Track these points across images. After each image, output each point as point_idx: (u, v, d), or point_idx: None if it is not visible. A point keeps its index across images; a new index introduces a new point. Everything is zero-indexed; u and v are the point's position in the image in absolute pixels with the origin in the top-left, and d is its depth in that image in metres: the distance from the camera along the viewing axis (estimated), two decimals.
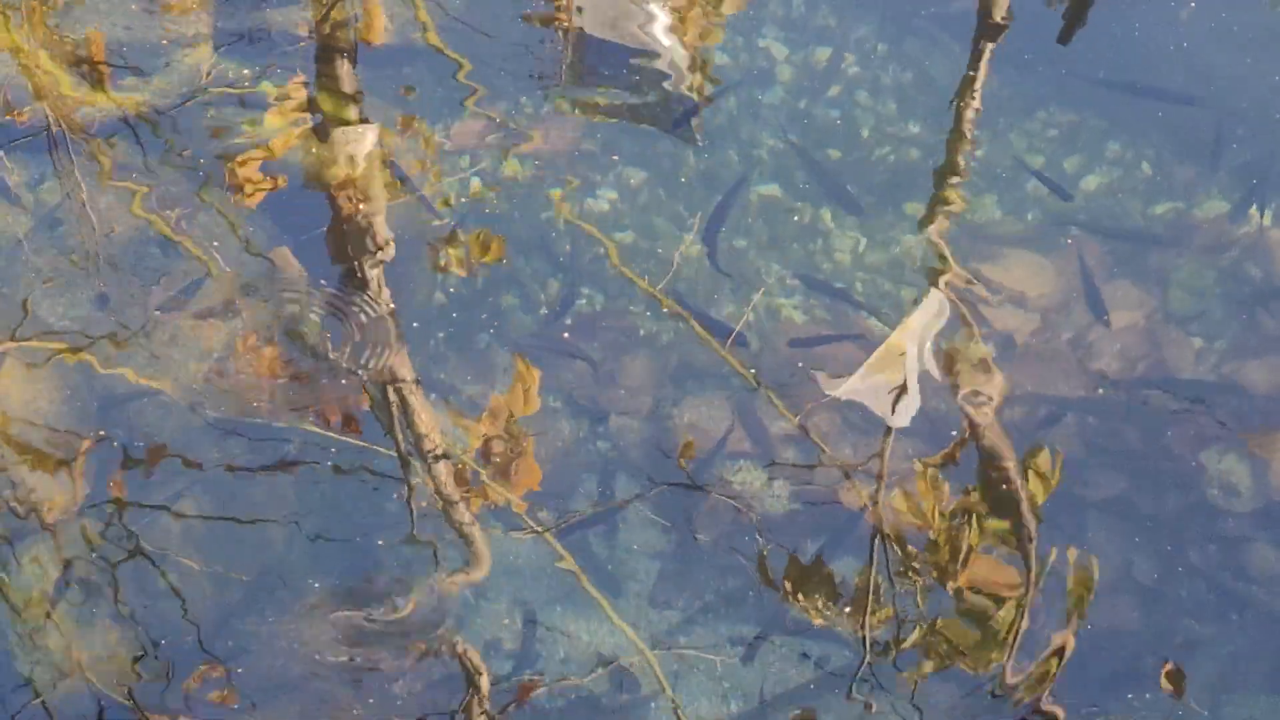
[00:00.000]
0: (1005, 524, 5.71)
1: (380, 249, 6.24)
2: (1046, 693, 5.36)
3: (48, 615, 5.37)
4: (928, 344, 6.05)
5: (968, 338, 6.16)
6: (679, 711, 5.37)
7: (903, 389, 5.96)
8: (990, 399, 6.00)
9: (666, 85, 6.85)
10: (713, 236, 6.34)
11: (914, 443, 5.88)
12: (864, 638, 5.48)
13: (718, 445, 5.91)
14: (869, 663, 5.43)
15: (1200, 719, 5.40)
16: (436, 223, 6.23)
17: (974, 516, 5.69)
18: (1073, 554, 5.65)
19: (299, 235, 6.23)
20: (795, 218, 6.53)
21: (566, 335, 6.14)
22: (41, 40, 6.63)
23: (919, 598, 5.54)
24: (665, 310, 6.23)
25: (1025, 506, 5.73)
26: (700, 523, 5.75)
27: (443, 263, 6.28)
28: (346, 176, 6.37)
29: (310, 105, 6.59)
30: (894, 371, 6.01)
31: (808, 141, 6.76)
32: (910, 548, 5.64)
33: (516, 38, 6.96)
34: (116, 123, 6.47)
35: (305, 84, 6.64)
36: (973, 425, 5.92)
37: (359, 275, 6.16)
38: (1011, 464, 5.84)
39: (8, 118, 6.40)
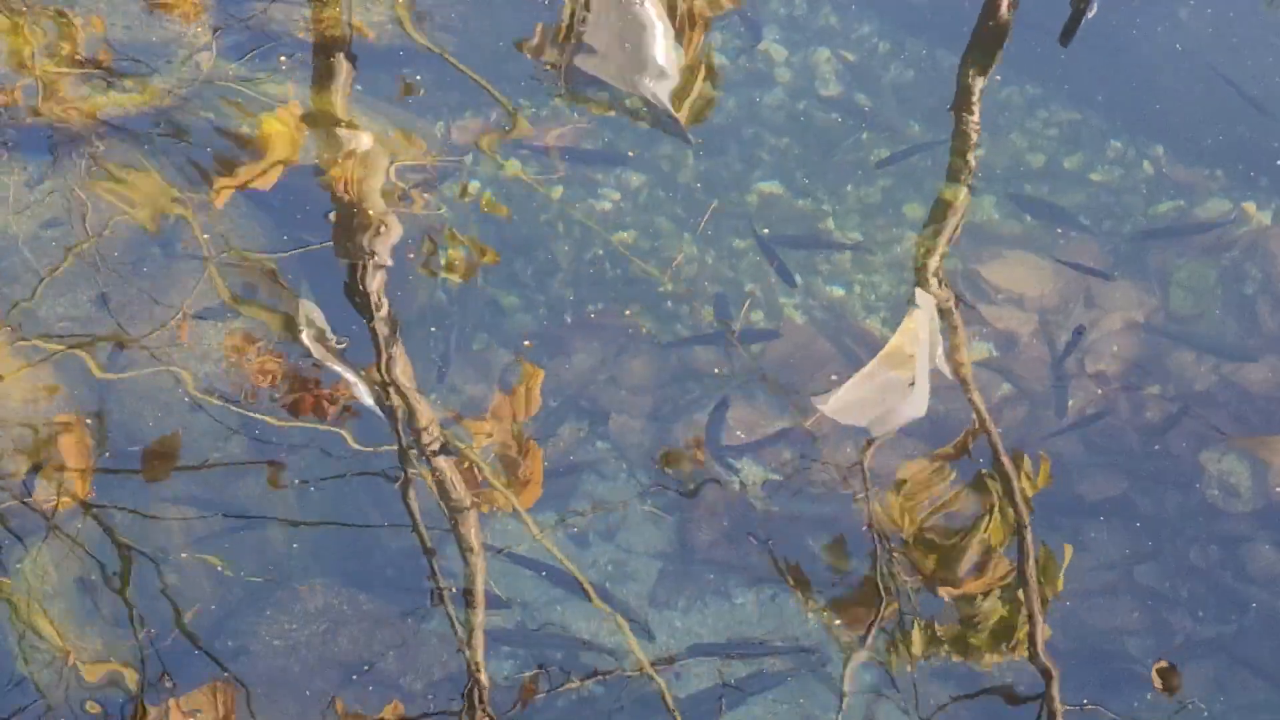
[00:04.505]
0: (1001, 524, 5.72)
1: (380, 248, 6.24)
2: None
3: (47, 615, 5.37)
4: (939, 352, 6.05)
5: (965, 338, 6.17)
6: (678, 713, 5.37)
7: (893, 395, 5.96)
8: (988, 397, 6.02)
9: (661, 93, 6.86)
10: None
11: (916, 443, 5.88)
12: (865, 637, 5.48)
13: (718, 445, 5.91)
14: (869, 661, 5.44)
15: (1200, 718, 5.41)
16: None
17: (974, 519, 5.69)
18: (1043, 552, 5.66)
19: (300, 235, 6.24)
20: (796, 217, 6.54)
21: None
22: (41, 40, 6.63)
23: (915, 598, 5.55)
24: (665, 310, 6.24)
25: (1019, 503, 5.73)
26: (700, 522, 5.75)
27: (443, 263, 6.28)
28: (346, 176, 6.37)
29: (309, 105, 6.59)
30: (896, 375, 6.01)
31: (808, 141, 6.77)
32: (905, 548, 5.64)
33: (517, 38, 6.96)
34: (116, 123, 6.46)
35: (304, 84, 6.64)
36: (973, 423, 5.93)
37: (360, 275, 6.16)
38: (1007, 463, 5.84)
39: (2, 106, 6.39)
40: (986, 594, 5.54)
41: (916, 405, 5.89)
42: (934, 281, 6.30)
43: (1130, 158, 6.78)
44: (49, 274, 6.05)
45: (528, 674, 5.43)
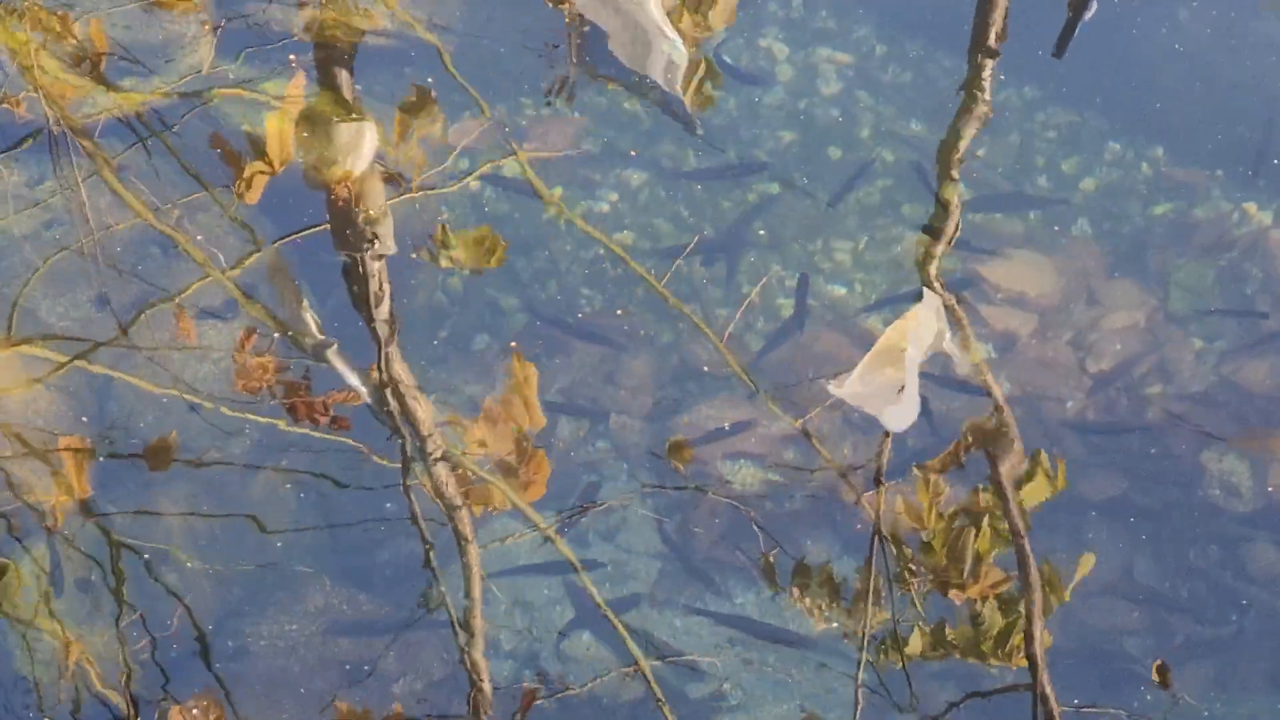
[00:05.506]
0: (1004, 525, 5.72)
1: (377, 247, 6.24)
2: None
3: (48, 615, 5.37)
4: (946, 338, 6.04)
5: (965, 338, 6.17)
6: (678, 713, 5.37)
7: (901, 390, 5.95)
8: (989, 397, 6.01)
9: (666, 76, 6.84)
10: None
11: (916, 442, 5.88)
12: (863, 637, 5.48)
13: (717, 445, 5.91)
14: (869, 662, 5.43)
15: (1200, 718, 5.41)
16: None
17: (978, 521, 5.68)
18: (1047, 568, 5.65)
19: (298, 235, 6.24)
20: (796, 217, 6.54)
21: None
22: (41, 39, 6.63)
23: (919, 600, 5.54)
24: (665, 310, 6.23)
25: (1015, 507, 5.72)
26: (700, 523, 5.75)
27: (443, 263, 6.28)
28: (346, 175, 6.37)
29: (310, 105, 6.59)
30: (894, 371, 6.00)
31: (808, 141, 6.77)
32: (909, 552, 5.64)
33: (518, 38, 6.96)
34: (116, 122, 6.46)
35: (304, 83, 6.64)
36: (974, 423, 5.93)
37: (359, 274, 6.16)
38: (1009, 463, 5.83)
39: (3, 105, 6.39)
40: (988, 596, 5.54)
41: (906, 415, 5.88)
42: (935, 281, 6.31)
43: (1129, 159, 6.78)
44: (45, 265, 6.03)
45: (527, 674, 5.43)
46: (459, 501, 5.68)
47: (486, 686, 5.37)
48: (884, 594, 5.55)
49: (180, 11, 6.78)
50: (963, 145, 6.68)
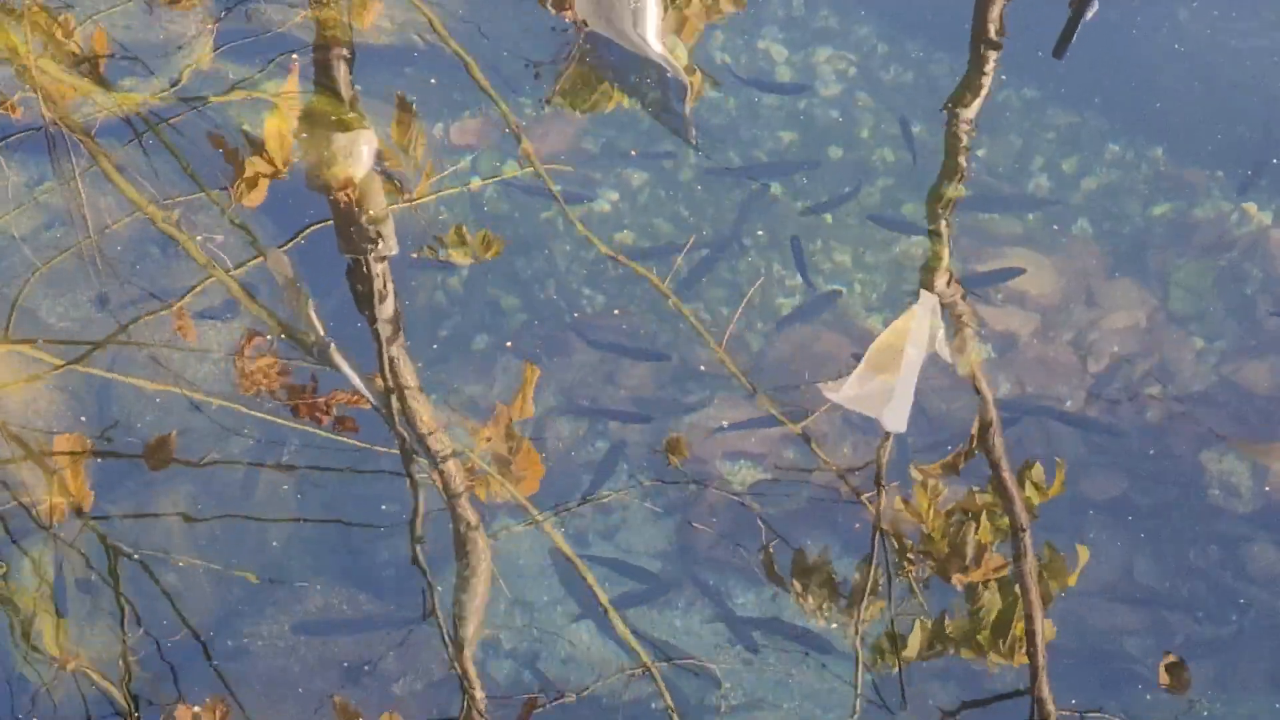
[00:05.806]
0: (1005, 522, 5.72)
1: (380, 248, 6.24)
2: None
3: (48, 615, 5.37)
4: (940, 337, 6.04)
5: (966, 338, 6.17)
6: (677, 714, 5.37)
7: (898, 390, 5.96)
8: (989, 398, 6.01)
9: (665, 87, 6.85)
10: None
11: (916, 442, 5.88)
12: (860, 635, 5.48)
13: (717, 445, 5.91)
14: (866, 663, 5.44)
15: (1200, 718, 5.41)
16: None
17: (979, 515, 5.68)
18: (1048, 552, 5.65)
19: (299, 236, 6.24)
20: (796, 217, 6.54)
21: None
22: (41, 40, 6.63)
23: (920, 596, 5.54)
24: (665, 310, 6.23)
25: (1018, 505, 5.72)
26: (699, 522, 5.75)
27: (442, 263, 6.28)
28: (346, 178, 6.37)
29: (310, 105, 6.59)
30: (891, 372, 6.00)
31: (808, 141, 6.76)
32: (909, 544, 5.64)
33: (517, 38, 6.96)
34: (116, 122, 6.46)
35: (304, 84, 6.64)
36: (974, 424, 5.93)
37: (362, 274, 6.16)
38: (1008, 464, 5.84)
39: (2, 112, 6.39)
40: (985, 590, 5.55)
41: (901, 414, 5.88)
42: (933, 280, 6.31)
43: (1129, 159, 6.78)
44: (45, 266, 6.04)
45: (526, 674, 5.43)
46: (459, 500, 5.69)
47: (479, 692, 5.38)
48: (884, 593, 5.56)
49: (180, 11, 6.78)
50: (962, 143, 6.69)
